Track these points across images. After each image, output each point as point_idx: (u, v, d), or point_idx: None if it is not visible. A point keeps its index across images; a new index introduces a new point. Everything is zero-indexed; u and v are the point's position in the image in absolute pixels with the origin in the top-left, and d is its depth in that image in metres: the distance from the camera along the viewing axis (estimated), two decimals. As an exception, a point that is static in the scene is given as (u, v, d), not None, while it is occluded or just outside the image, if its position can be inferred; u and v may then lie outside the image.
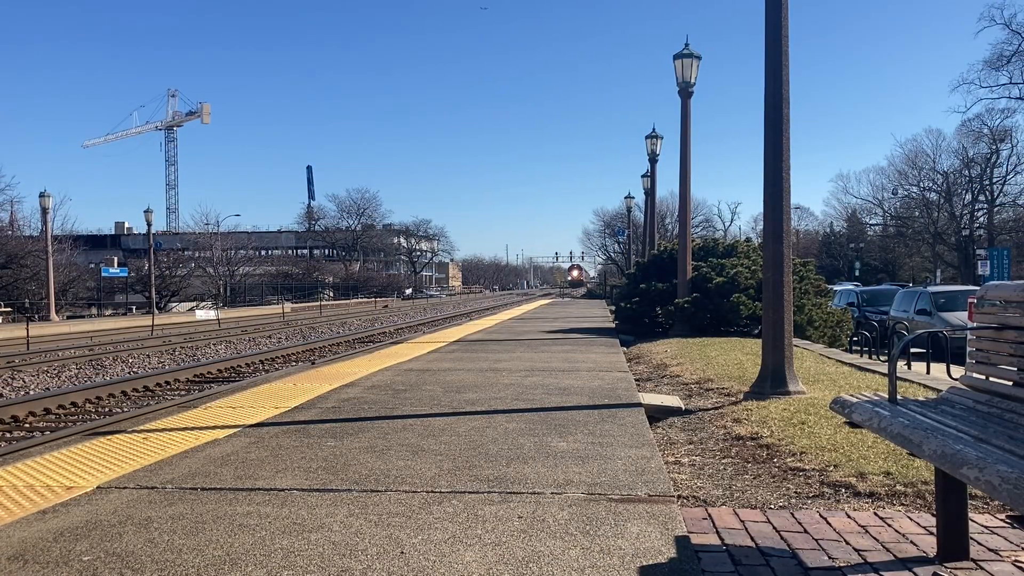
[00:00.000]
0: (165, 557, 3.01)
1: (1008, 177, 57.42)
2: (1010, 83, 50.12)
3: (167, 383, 13.83)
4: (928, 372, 9.73)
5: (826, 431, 5.68)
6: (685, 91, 15.51)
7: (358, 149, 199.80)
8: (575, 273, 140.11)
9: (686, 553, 3.04)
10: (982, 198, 59.11)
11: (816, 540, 3.65)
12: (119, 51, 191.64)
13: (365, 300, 68.62)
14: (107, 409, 11.39)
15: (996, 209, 58.85)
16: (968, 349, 3.80)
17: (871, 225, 73.08)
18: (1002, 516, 3.97)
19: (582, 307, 36.16)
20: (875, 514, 4.01)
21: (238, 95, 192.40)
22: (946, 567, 3.29)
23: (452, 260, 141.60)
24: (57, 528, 3.39)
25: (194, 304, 54.87)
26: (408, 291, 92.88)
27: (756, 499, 4.39)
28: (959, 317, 16.36)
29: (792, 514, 4.07)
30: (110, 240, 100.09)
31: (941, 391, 4.27)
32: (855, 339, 13.60)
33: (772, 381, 7.50)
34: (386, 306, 59.00)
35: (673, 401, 7.65)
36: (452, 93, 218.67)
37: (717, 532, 3.80)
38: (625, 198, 47.61)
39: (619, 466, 4.35)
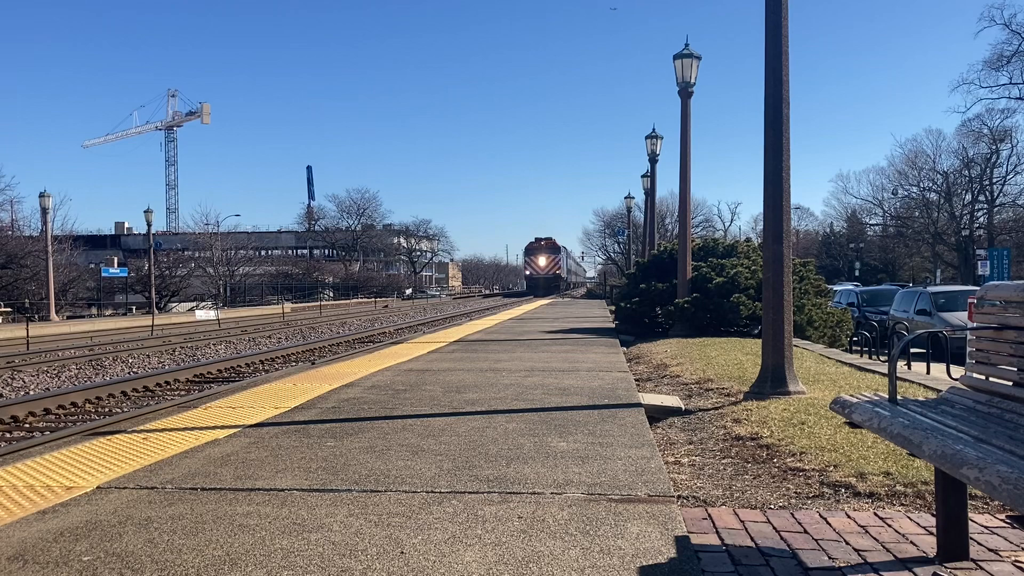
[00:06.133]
0: (165, 557, 3.02)
1: (1008, 177, 57.56)
2: (1010, 83, 50.25)
3: (167, 383, 13.82)
4: (928, 372, 9.73)
5: (826, 431, 5.68)
6: (685, 91, 15.53)
7: (358, 149, 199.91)
8: (542, 261, 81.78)
9: (686, 553, 3.04)
10: (982, 198, 59.15)
11: (816, 540, 3.65)
12: (119, 51, 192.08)
13: (365, 300, 68.58)
14: (107, 409, 11.39)
15: (996, 209, 58.90)
16: (968, 349, 3.80)
17: (871, 225, 73.16)
18: (1002, 516, 3.97)
19: (582, 307, 36.15)
20: (875, 514, 4.01)
21: (238, 95, 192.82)
22: (946, 567, 3.29)
23: (452, 260, 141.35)
24: (57, 528, 3.39)
25: (194, 304, 54.86)
26: (408, 291, 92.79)
27: (756, 499, 4.39)
28: (959, 317, 16.37)
29: (792, 514, 4.07)
30: (110, 240, 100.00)
31: (941, 391, 4.28)
32: (855, 339, 13.60)
33: (772, 381, 7.50)
34: (386, 306, 58.98)
35: (673, 401, 7.65)
36: (452, 93, 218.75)
37: (717, 532, 3.80)
38: (625, 198, 47.55)
39: (619, 466, 4.35)
